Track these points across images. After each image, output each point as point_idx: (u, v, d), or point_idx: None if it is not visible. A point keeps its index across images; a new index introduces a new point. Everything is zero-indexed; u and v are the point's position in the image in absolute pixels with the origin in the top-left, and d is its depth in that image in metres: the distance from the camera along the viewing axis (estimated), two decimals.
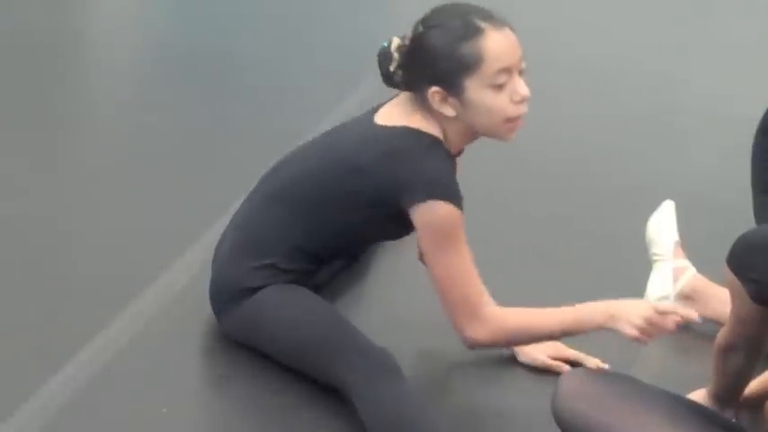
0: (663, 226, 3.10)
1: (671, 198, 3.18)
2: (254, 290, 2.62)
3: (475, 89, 2.47)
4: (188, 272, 2.95)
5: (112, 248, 3.08)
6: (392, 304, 2.97)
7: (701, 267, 3.04)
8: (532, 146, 4.04)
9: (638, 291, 3.07)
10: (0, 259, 2.96)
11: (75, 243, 3.10)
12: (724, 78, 5.14)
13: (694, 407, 2.30)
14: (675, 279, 3.04)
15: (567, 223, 3.56)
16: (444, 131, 2.55)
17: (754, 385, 2.50)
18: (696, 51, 5.58)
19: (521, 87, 2.49)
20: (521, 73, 2.51)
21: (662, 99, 4.85)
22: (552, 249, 3.37)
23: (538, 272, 3.21)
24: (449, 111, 2.51)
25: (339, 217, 2.60)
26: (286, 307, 2.61)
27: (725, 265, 2.22)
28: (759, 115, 3.08)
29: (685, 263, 3.06)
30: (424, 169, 2.49)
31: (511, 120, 2.51)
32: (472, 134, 2.58)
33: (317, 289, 2.72)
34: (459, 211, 2.50)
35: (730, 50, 5.58)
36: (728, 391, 2.46)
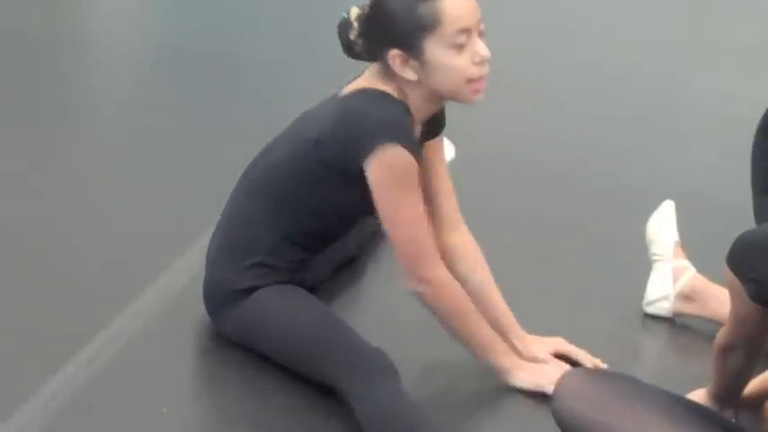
0: (663, 226, 3.09)
1: (671, 198, 3.17)
2: (248, 291, 2.62)
3: (434, 50, 2.48)
4: (188, 272, 2.95)
5: (112, 248, 3.08)
6: (389, 305, 2.96)
7: (701, 267, 3.03)
8: (533, 146, 4.05)
9: (638, 291, 3.06)
10: (0, 259, 2.96)
11: (75, 243, 3.10)
12: (724, 78, 5.12)
13: (694, 407, 2.29)
14: (675, 279, 3.03)
15: (566, 223, 3.56)
16: (407, 96, 2.54)
17: (753, 385, 2.50)
18: (696, 51, 5.57)
19: (480, 48, 2.50)
20: (480, 35, 2.51)
21: (662, 99, 4.83)
22: (552, 249, 3.36)
23: (538, 272, 3.20)
24: (410, 74, 2.52)
25: (311, 195, 2.60)
26: (281, 307, 2.61)
27: (725, 265, 2.22)
28: (759, 115, 3.07)
29: (685, 263, 3.05)
30: (371, 118, 2.49)
31: (472, 80, 2.51)
32: (437, 98, 2.58)
33: (313, 289, 2.72)
34: (411, 158, 2.48)
35: (730, 50, 5.57)
36: (728, 391, 2.46)
